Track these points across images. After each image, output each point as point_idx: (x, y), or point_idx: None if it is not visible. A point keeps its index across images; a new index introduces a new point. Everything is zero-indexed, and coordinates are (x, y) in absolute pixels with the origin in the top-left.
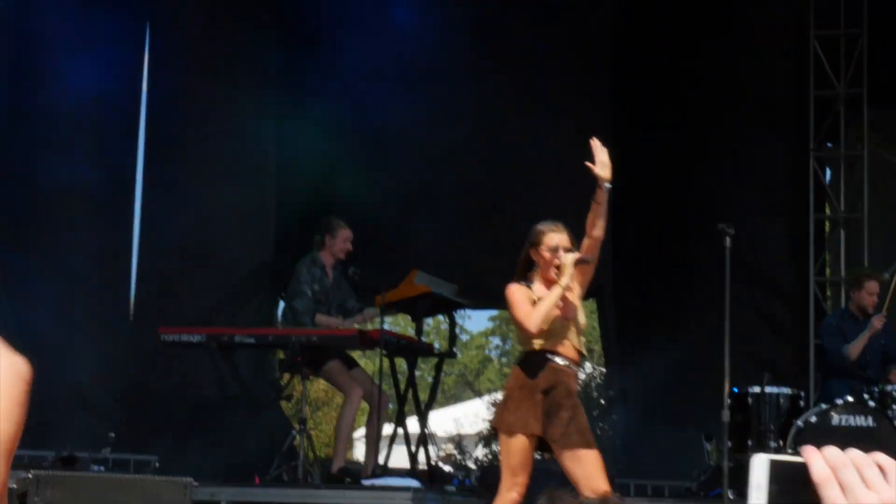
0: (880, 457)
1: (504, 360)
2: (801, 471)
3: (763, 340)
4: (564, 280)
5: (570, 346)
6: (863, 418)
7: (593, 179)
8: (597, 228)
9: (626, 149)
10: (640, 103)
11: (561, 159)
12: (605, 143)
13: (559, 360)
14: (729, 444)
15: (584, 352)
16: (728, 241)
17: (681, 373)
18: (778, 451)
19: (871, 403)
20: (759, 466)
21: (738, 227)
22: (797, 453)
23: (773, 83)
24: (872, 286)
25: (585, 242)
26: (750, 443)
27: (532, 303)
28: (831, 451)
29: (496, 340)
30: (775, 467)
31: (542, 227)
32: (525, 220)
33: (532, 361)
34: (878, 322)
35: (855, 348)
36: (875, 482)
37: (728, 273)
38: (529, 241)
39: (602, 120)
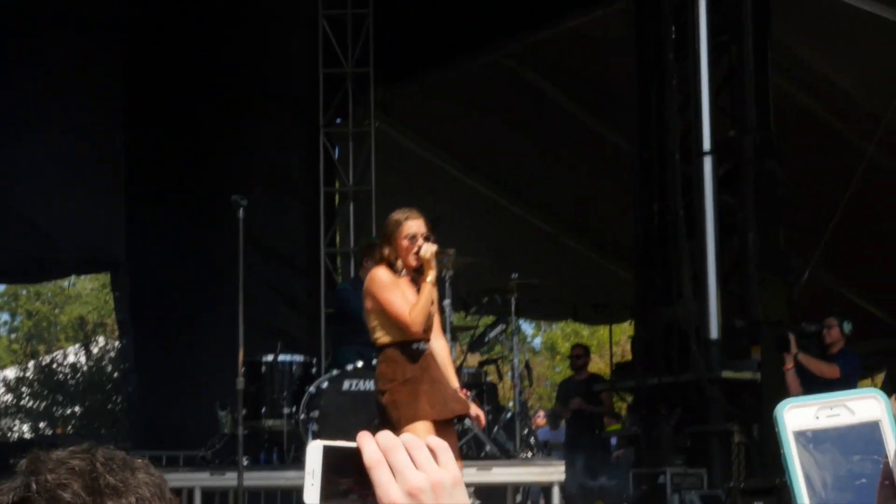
0: (432, 440)
1: (13, 336)
2: (355, 455)
3: (277, 310)
4: (431, 276)
5: None
6: (371, 382)
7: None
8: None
9: (141, 124)
10: (154, 82)
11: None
12: (114, 122)
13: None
14: (244, 411)
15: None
16: (241, 212)
17: (195, 344)
18: (291, 416)
19: None
20: (314, 452)
21: (253, 201)
22: (310, 418)
23: (285, 62)
24: None
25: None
26: (264, 410)
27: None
28: (384, 435)
29: (4, 316)
30: (329, 453)
31: (397, 216)
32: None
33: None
34: None
35: None
36: (424, 463)
37: (241, 244)
38: (386, 232)
39: (113, 96)
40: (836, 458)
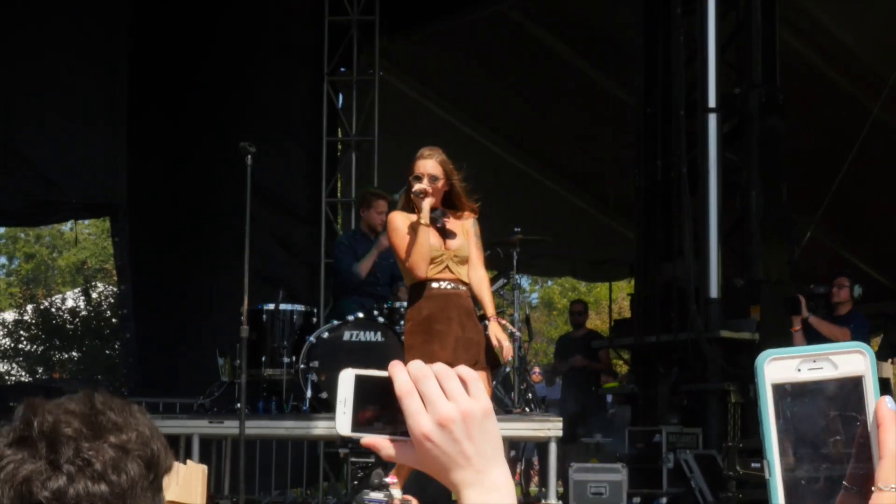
0: (463, 370)
1: (11, 279)
2: (387, 384)
3: (278, 259)
4: (422, 219)
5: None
6: (372, 333)
7: None
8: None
9: (145, 70)
10: (160, 27)
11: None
12: (118, 67)
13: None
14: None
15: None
16: (250, 158)
17: (194, 291)
18: (291, 366)
19: (381, 319)
20: (346, 381)
21: (256, 149)
22: (309, 369)
23: (291, 9)
24: (381, 205)
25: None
26: (264, 359)
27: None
28: (416, 364)
29: (2, 259)
30: (361, 382)
31: (419, 152)
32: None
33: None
34: (384, 240)
35: (364, 266)
36: (455, 393)
37: (249, 191)
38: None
39: (118, 41)
40: (813, 414)
